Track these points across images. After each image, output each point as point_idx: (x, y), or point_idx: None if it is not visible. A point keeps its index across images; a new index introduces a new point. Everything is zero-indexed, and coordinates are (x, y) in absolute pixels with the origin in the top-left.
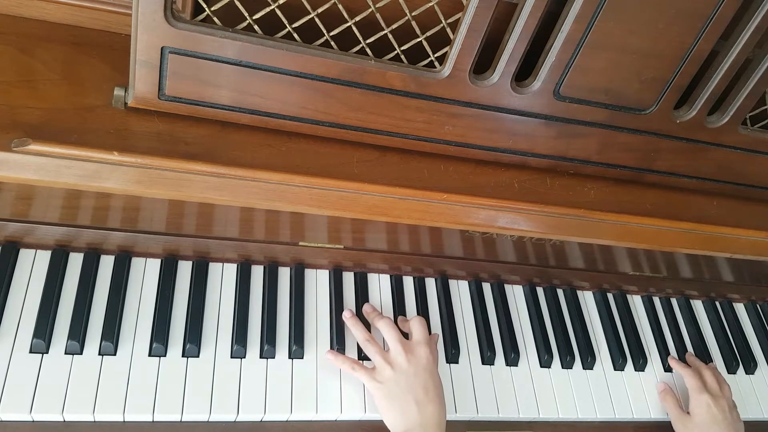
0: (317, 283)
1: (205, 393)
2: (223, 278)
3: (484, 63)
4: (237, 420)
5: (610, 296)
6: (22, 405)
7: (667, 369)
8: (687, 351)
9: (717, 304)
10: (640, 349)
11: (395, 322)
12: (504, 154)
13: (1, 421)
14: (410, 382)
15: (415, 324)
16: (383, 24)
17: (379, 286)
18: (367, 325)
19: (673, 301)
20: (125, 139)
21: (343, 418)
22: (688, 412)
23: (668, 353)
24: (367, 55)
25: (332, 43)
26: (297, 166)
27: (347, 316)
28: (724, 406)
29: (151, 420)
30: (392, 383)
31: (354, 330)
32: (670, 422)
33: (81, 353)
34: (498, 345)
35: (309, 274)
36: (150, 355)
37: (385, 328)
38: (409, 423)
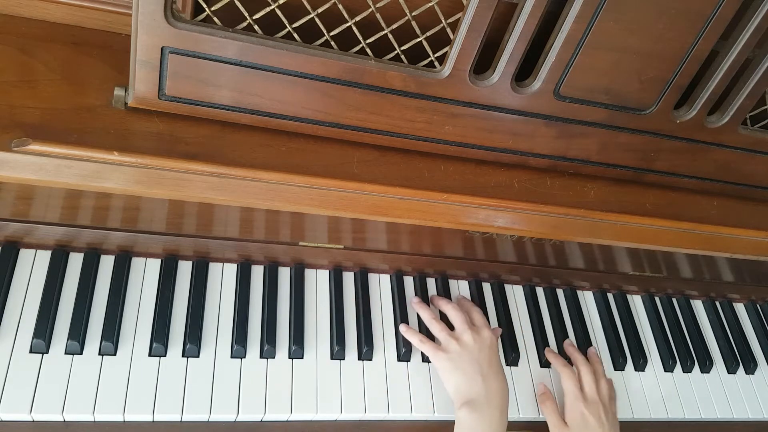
0: (317, 283)
1: (205, 393)
2: (223, 278)
3: (484, 63)
4: (237, 420)
5: (610, 296)
6: (22, 405)
7: (668, 369)
8: (689, 351)
9: (717, 304)
10: (640, 349)
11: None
12: (504, 154)
13: (1, 421)
14: (475, 356)
15: (476, 312)
16: (383, 24)
17: (380, 286)
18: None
19: (674, 301)
20: (125, 139)
21: (343, 418)
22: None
23: (669, 353)
24: (367, 55)
25: (332, 43)
26: (297, 166)
27: (415, 301)
28: (599, 412)
29: (151, 420)
30: (458, 355)
31: (420, 311)
32: (670, 421)
33: (81, 353)
34: (498, 345)
35: (309, 274)
36: (150, 355)
37: (452, 312)
38: (474, 392)
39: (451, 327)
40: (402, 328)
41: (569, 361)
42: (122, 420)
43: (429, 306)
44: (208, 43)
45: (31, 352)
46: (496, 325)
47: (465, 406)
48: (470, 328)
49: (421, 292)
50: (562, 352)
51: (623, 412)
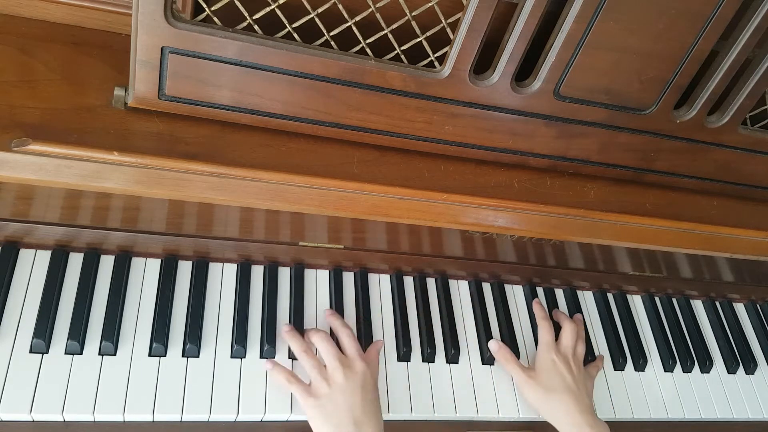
0: (317, 283)
1: (205, 393)
2: (223, 278)
3: (484, 63)
4: (237, 420)
5: (610, 296)
6: (22, 405)
7: (667, 369)
8: (689, 351)
9: (717, 304)
10: (640, 349)
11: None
12: (504, 154)
13: (1, 421)
14: (348, 399)
15: (344, 337)
16: (383, 24)
17: (379, 286)
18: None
19: (674, 301)
20: (125, 139)
21: None
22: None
23: (669, 353)
24: (367, 55)
25: (332, 43)
26: (297, 166)
27: (285, 330)
28: (569, 364)
29: (151, 420)
30: (328, 401)
31: (290, 341)
32: (670, 421)
33: (81, 353)
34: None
35: (309, 274)
36: (150, 355)
37: (320, 343)
38: None
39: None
40: (268, 365)
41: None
42: (122, 420)
43: (301, 335)
44: (208, 43)
45: (31, 352)
46: (496, 327)
47: None
48: (341, 365)
49: (421, 292)
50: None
51: (623, 412)
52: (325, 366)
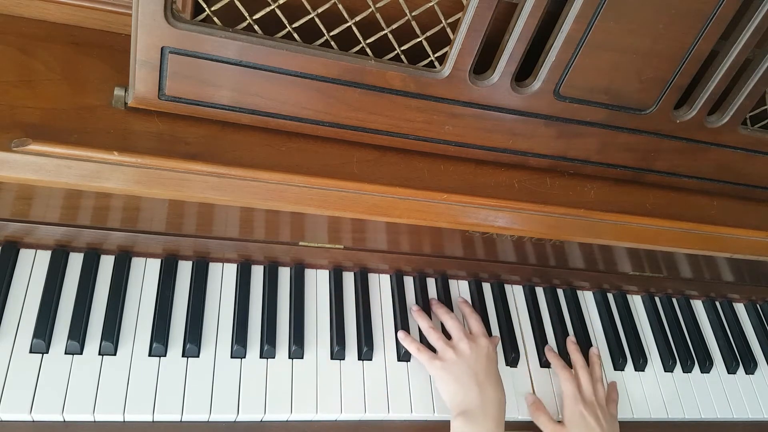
0: (317, 283)
1: (205, 393)
2: (223, 278)
3: (484, 63)
4: (237, 420)
5: (610, 296)
6: (22, 405)
7: (668, 369)
8: (689, 351)
9: (717, 304)
10: (640, 349)
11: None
12: (504, 154)
13: (1, 421)
14: (471, 365)
15: (473, 320)
16: (383, 24)
17: (380, 286)
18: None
19: (674, 301)
20: (125, 139)
21: (343, 418)
22: (560, 421)
23: (669, 353)
24: (367, 55)
25: (332, 43)
26: (297, 166)
27: (414, 309)
28: (597, 412)
29: (151, 420)
30: (454, 364)
31: (419, 320)
32: (670, 421)
33: (81, 353)
34: (498, 345)
35: (309, 274)
36: (150, 355)
37: (449, 321)
38: (470, 401)
39: (449, 336)
40: (400, 335)
41: (568, 360)
42: (122, 420)
43: (427, 314)
44: (208, 43)
45: (31, 352)
46: (496, 327)
47: (460, 416)
48: (467, 337)
49: (421, 292)
50: (564, 350)
51: (623, 412)
52: (450, 339)
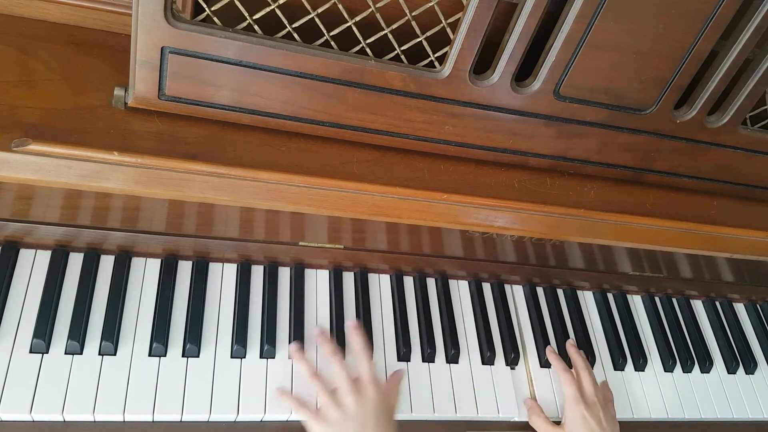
0: (317, 283)
1: (205, 393)
2: (223, 278)
3: (484, 63)
4: (237, 420)
5: (610, 296)
6: (22, 405)
7: (668, 369)
8: (689, 351)
9: (717, 304)
10: (640, 349)
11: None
12: (504, 154)
13: (1, 421)
14: (358, 425)
15: (361, 362)
16: (383, 24)
17: (379, 286)
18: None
19: (674, 301)
20: (125, 139)
21: None
22: (557, 422)
23: (669, 353)
24: (367, 55)
25: (332, 43)
26: (297, 166)
27: (293, 349)
28: (598, 413)
29: (151, 420)
30: (338, 426)
31: (298, 364)
32: (670, 421)
33: (81, 353)
34: (498, 345)
35: (309, 274)
36: (150, 355)
37: (335, 367)
38: None
39: None
40: (276, 393)
41: (568, 361)
42: (122, 420)
43: (305, 358)
44: (208, 43)
45: (31, 352)
46: (496, 327)
47: None
48: (352, 390)
49: (421, 292)
50: (564, 351)
51: (623, 412)
52: (334, 390)
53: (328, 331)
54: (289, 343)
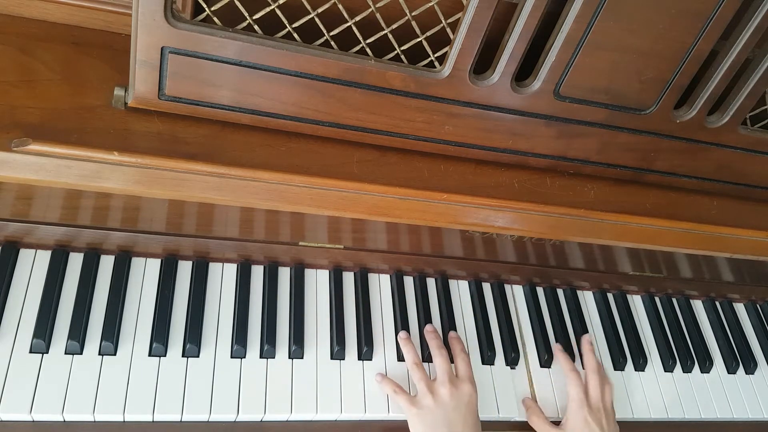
0: (317, 283)
1: (205, 393)
2: (223, 278)
3: (484, 63)
4: (237, 420)
5: (610, 296)
6: (22, 405)
7: (667, 369)
8: (689, 351)
9: (717, 304)
10: (640, 349)
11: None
12: (504, 154)
13: (1, 421)
14: (449, 416)
15: (461, 362)
16: (383, 24)
17: (380, 286)
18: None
19: (674, 301)
20: (125, 139)
21: (343, 418)
22: (556, 422)
23: (669, 353)
24: (367, 55)
25: (332, 43)
26: (297, 166)
27: (402, 337)
28: (601, 418)
29: (151, 420)
30: (430, 412)
31: (405, 351)
32: (669, 421)
33: (81, 353)
34: (498, 345)
35: (309, 274)
36: (150, 355)
37: (437, 359)
38: None
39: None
40: (377, 377)
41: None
42: (122, 420)
43: (413, 345)
44: (208, 43)
45: (31, 352)
46: (497, 327)
47: None
48: (450, 381)
49: (421, 292)
50: (566, 349)
51: (623, 412)
52: (433, 380)
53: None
54: (289, 343)
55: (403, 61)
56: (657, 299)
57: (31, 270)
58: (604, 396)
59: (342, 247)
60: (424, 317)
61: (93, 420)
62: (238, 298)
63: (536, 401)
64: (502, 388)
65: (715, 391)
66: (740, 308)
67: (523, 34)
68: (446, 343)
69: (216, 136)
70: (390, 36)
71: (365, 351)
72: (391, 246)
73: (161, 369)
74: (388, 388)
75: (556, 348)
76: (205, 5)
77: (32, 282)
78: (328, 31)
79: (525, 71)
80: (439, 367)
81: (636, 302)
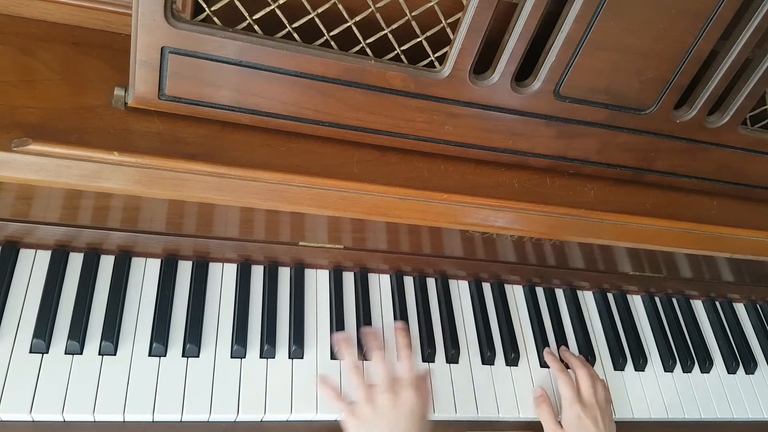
0: (317, 283)
1: (205, 393)
2: (223, 278)
3: (484, 63)
4: (237, 420)
5: (610, 296)
6: (22, 405)
7: (667, 369)
8: (689, 351)
9: (717, 304)
10: (640, 349)
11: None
12: (504, 154)
13: (1, 421)
14: (389, 424)
15: (405, 361)
16: (383, 24)
17: (379, 286)
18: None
19: (674, 301)
20: (125, 139)
21: None
22: (560, 422)
23: (669, 353)
24: (367, 55)
25: (332, 43)
26: (297, 166)
27: (339, 338)
28: (595, 414)
29: (151, 420)
30: (371, 424)
31: (343, 355)
32: (669, 421)
33: (81, 353)
34: (498, 345)
35: (309, 274)
36: (150, 355)
37: (376, 362)
38: None
39: None
40: (319, 379)
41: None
42: (122, 420)
43: (352, 347)
44: (208, 43)
45: (31, 352)
46: (497, 327)
47: None
48: (389, 389)
49: (421, 292)
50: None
51: (623, 412)
52: (371, 387)
53: (380, 331)
54: (289, 343)
55: (403, 61)
56: (657, 299)
57: (31, 270)
58: (596, 392)
59: (342, 247)
60: (425, 317)
61: (93, 420)
62: (238, 298)
63: (546, 392)
64: (502, 388)
65: (715, 391)
66: (740, 308)
67: (523, 34)
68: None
69: (216, 136)
70: (390, 36)
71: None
72: (391, 246)
73: (161, 369)
74: (326, 393)
75: (546, 352)
76: (205, 5)
77: (32, 282)
78: (328, 31)
79: (525, 71)
80: (378, 369)
81: (636, 302)
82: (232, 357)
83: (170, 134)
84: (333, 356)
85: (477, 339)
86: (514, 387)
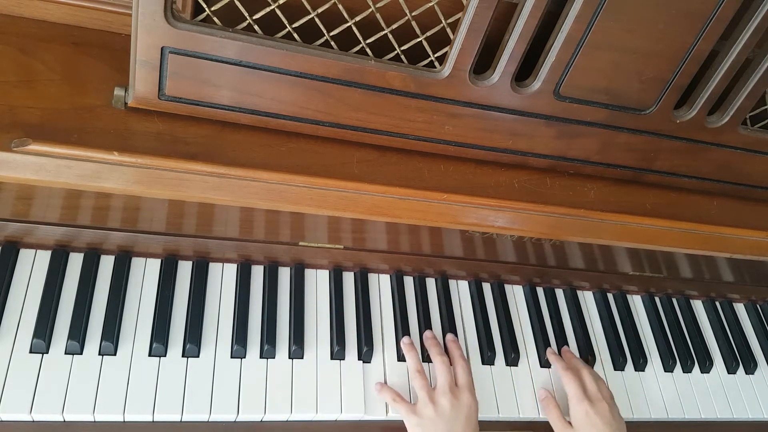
0: (317, 283)
1: (205, 393)
2: (223, 278)
3: (484, 63)
4: (237, 420)
5: (610, 296)
6: (22, 405)
7: (667, 369)
8: (689, 351)
9: (717, 304)
10: (640, 349)
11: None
12: (504, 154)
13: (1, 421)
14: (449, 426)
15: (460, 369)
16: (383, 24)
17: (379, 286)
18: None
19: (674, 301)
20: (125, 139)
21: (343, 418)
22: (569, 422)
23: (669, 353)
24: (367, 55)
25: (332, 43)
26: (297, 166)
27: (405, 342)
28: (603, 409)
29: (151, 420)
30: (430, 422)
31: (408, 357)
32: (670, 421)
33: (81, 353)
34: (498, 345)
35: (309, 274)
36: (150, 355)
37: (438, 366)
38: None
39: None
40: (377, 386)
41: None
42: (122, 420)
43: (416, 351)
44: (208, 43)
45: (31, 352)
46: (497, 327)
47: None
48: (450, 391)
49: (421, 292)
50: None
51: (623, 412)
52: (434, 388)
53: (440, 336)
54: (289, 343)
55: (403, 61)
56: (657, 299)
57: (31, 270)
58: (601, 389)
59: (342, 247)
60: (424, 317)
61: (93, 420)
62: (238, 298)
63: (536, 402)
64: (502, 389)
65: (715, 391)
66: (740, 308)
67: (523, 34)
68: (445, 345)
69: (216, 136)
70: (390, 36)
71: (365, 351)
72: (391, 246)
73: (161, 369)
74: (387, 396)
75: (548, 351)
76: (205, 5)
77: (32, 282)
78: (328, 31)
79: (525, 71)
80: (439, 374)
81: (636, 302)
82: (232, 357)
83: (170, 134)
84: (333, 356)
85: (477, 339)
86: (514, 387)
